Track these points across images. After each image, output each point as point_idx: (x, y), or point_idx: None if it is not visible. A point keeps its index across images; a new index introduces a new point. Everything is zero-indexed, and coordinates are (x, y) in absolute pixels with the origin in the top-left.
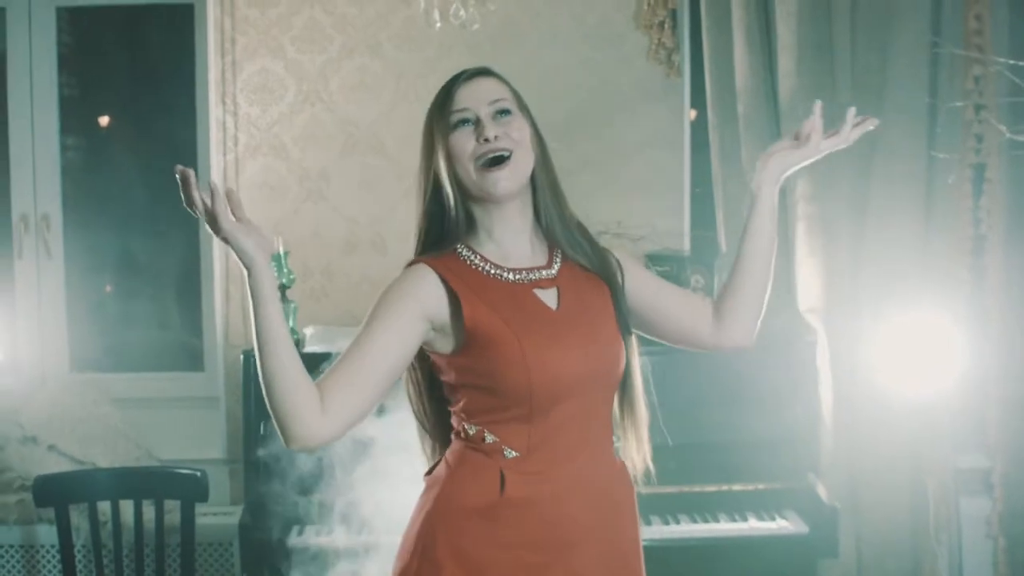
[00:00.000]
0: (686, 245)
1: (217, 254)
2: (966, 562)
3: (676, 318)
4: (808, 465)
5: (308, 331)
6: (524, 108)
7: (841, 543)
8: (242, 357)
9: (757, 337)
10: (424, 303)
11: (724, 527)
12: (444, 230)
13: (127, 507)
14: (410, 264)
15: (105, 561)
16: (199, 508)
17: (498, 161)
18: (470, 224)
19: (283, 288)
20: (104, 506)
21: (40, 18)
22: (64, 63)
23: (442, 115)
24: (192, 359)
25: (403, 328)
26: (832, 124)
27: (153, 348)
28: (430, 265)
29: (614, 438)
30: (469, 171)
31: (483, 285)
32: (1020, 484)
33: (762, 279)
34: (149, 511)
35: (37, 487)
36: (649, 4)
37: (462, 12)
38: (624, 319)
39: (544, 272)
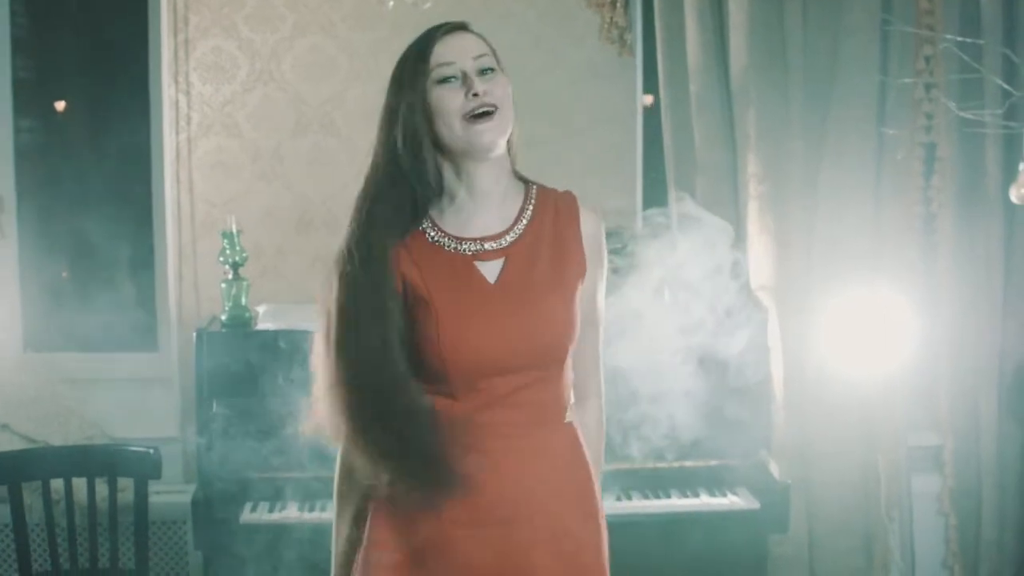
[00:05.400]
0: (638, 224)
1: (171, 234)
2: (917, 539)
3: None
4: (760, 442)
5: (260, 309)
6: (502, 66)
7: (792, 519)
8: (195, 336)
9: (710, 314)
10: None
11: (676, 503)
12: (410, 196)
13: (80, 485)
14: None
15: (59, 540)
16: (153, 486)
17: (484, 115)
18: (437, 190)
19: (235, 267)
20: (57, 484)
21: None
22: (19, 45)
23: (421, 70)
24: (146, 339)
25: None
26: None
27: (107, 328)
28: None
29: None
30: (454, 127)
31: (426, 252)
32: (970, 461)
33: None
34: (102, 489)
35: None
36: None
37: None
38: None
39: (493, 243)
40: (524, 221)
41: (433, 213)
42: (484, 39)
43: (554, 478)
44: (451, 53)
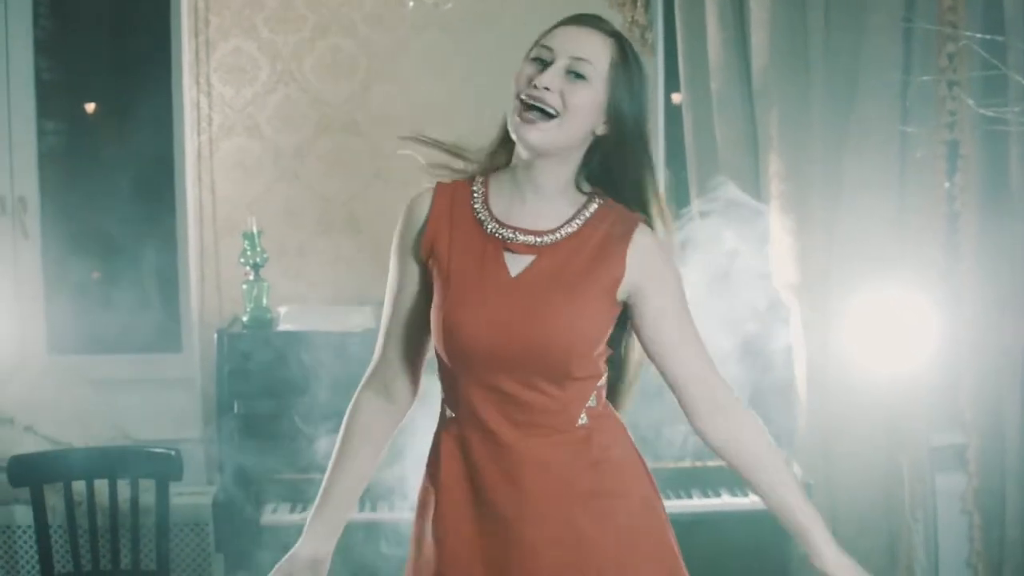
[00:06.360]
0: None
1: (192, 235)
2: (941, 539)
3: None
4: (782, 442)
5: (282, 310)
6: (622, 80)
7: None
8: (216, 337)
9: (731, 311)
10: (414, 240)
11: (697, 503)
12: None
13: (102, 487)
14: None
15: (80, 541)
16: (174, 488)
17: (537, 110)
18: (508, 159)
19: (256, 267)
20: (79, 486)
21: (16, 1)
22: (44, 47)
23: (535, 43)
24: (168, 340)
25: (414, 278)
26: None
27: (129, 329)
28: (438, 190)
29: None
30: (513, 103)
31: (466, 227)
32: (995, 460)
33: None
34: (124, 490)
35: (12, 467)
36: None
37: None
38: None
39: (530, 238)
40: (568, 230)
41: (492, 183)
42: (609, 47)
43: (555, 481)
44: (556, 40)
